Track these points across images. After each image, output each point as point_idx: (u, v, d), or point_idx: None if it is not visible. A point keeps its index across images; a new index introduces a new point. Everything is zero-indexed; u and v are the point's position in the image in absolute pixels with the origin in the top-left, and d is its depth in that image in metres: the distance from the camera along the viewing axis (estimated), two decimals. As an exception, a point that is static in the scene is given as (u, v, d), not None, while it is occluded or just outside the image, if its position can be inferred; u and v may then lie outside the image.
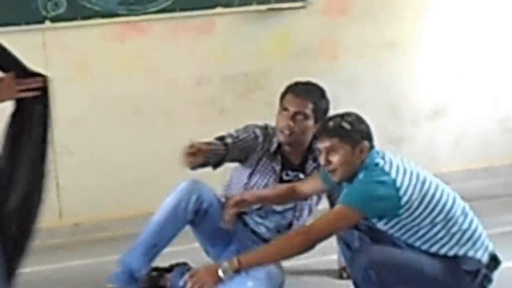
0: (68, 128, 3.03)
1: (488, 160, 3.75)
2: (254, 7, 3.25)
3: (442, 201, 1.99)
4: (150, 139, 3.19)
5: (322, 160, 2.09)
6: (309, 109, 2.42)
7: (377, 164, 2.05)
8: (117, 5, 3.13)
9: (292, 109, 2.41)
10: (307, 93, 2.48)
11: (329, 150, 2.05)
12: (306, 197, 2.49)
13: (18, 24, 3.04)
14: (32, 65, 2.69)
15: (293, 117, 2.40)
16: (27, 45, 2.97)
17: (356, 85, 3.31)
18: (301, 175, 2.52)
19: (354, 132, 2.07)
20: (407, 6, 3.44)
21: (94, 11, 3.13)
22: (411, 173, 2.00)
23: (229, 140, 2.42)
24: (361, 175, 2.06)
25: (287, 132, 2.42)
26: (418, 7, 3.47)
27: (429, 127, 3.55)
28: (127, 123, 3.25)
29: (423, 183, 1.98)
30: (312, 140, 2.49)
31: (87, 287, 2.73)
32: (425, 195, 1.96)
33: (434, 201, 1.98)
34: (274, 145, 2.49)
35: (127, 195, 3.25)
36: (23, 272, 2.40)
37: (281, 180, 2.51)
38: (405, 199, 1.93)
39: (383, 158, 2.07)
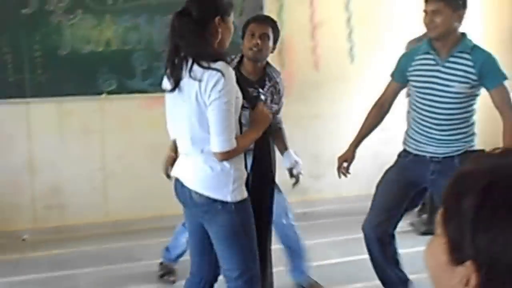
0: (115, 160, 4.38)
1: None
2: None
3: None
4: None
5: (426, 21, 2.43)
6: (269, 31, 2.75)
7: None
8: (148, 85, 4.33)
9: (257, 32, 2.72)
10: (267, 20, 2.87)
11: (435, 12, 2.40)
12: (391, 104, 2.78)
13: (85, 94, 4.25)
14: (92, 124, 4.12)
15: (260, 37, 2.71)
16: (90, 109, 4.31)
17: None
18: (260, 90, 2.74)
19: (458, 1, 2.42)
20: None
21: (134, 88, 4.35)
22: None
23: None
24: (483, 52, 2.49)
25: (255, 49, 2.71)
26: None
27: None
28: (153, 159, 4.21)
29: None
30: (266, 66, 2.83)
31: (125, 260, 3.82)
32: None
33: None
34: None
35: (152, 201, 4.45)
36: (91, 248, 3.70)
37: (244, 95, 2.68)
38: None
39: None
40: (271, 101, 2.79)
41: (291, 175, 2.94)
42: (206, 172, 2.11)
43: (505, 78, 2.47)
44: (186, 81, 2.06)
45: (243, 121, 2.33)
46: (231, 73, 2.02)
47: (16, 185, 4.27)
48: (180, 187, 2.23)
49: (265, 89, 2.72)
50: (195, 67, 2.02)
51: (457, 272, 0.74)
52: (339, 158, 2.79)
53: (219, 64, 2.00)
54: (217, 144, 2.04)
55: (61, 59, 4.20)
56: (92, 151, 4.40)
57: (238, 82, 2.14)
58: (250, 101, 2.34)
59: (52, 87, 4.19)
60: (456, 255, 0.75)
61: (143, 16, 4.36)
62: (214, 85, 1.98)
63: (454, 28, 2.43)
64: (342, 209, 4.63)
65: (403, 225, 3.18)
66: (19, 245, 4.16)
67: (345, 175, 2.79)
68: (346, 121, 4.55)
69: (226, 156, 2.07)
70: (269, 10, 4.44)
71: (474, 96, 2.55)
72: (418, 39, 3.68)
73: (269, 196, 2.50)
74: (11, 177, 4.24)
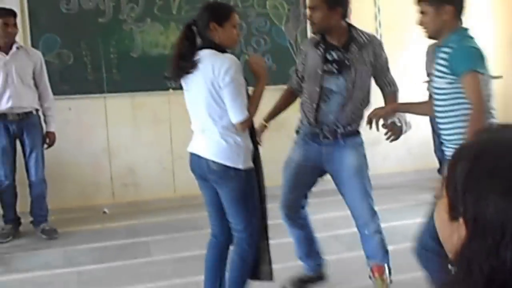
0: (181, 144, 4.70)
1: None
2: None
3: None
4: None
5: (417, 22, 2.33)
6: (318, 1, 2.63)
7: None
8: None
9: (309, 5, 2.78)
10: None
11: (422, 13, 2.31)
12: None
13: (154, 90, 4.72)
14: (161, 115, 4.55)
15: (310, 12, 2.70)
16: (159, 101, 4.80)
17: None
18: (346, 54, 2.67)
19: None
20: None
21: None
22: None
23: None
24: (460, 43, 2.22)
25: (309, 24, 2.92)
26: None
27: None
28: None
29: None
30: (350, 29, 2.70)
31: (191, 229, 4.09)
32: None
33: None
34: (316, 39, 2.76)
35: None
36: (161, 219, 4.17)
37: (326, 60, 2.70)
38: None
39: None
40: (364, 63, 2.70)
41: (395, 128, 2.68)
42: (222, 145, 2.44)
43: (472, 67, 2.20)
44: (199, 70, 2.44)
45: (333, 88, 2.67)
46: (237, 61, 2.44)
47: (97, 167, 4.79)
48: (197, 160, 2.54)
49: (351, 52, 2.67)
50: (207, 58, 2.42)
51: (454, 227, 0.81)
52: None
53: (226, 55, 2.42)
54: (235, 117, 2.41)
55: (133, 60, 4.71)
56: (162, 137, 4.87)
57: (322, 48, 2.62)
58: (337, 64, 2.64)
59: (126, 84, 4.69)
60: (453, 213, 0.82)
61: None
62: (226, 70, 2.36)
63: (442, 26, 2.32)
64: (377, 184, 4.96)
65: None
66: (100, 217, 4.60)
67: None
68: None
69: (245, 124, 2.46)
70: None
71: (459, 93, 2.26)
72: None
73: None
74: (93, 160, 4.77)
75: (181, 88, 4.63)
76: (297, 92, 2.97)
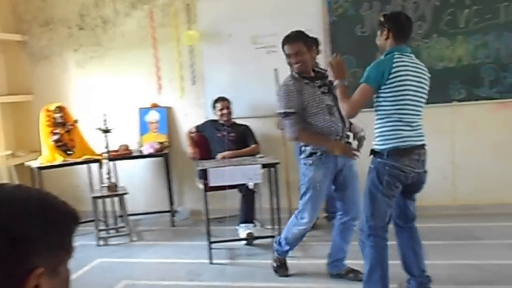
0: (462, 155, 5.02)
1: None
2: None
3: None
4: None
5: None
6: (299, 47, 3.39)
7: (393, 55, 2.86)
8: (494, 93, 4.86)
9: (291, 52, 3.41)
10: (295, 38, 3.43)
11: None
12: None
13: (437, 102, 4.71)
14: (443, 125, 4.72)
15: (295, 56, 3.39)
16: (442, 113, 4.94)
17: None
18: (322, 81, 3.48)
19: (381, 21, 2.94)
20: None
21: (481, 96, 4.93)
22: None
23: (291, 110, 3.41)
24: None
25: (296, 66, 3.42)
26: None
27: None
28: (497, 156, 4.98)
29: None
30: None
31: (468, 238, 4.21)
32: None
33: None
34: (296, 77, 3.45)
35: (494, 190, 4.98)
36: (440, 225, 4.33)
37: (317, 85, 3.46)
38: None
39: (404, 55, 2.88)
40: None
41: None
42: None
43: (361, 80, 2.90)
44: None
45: (329, 103, 3.35)
46: None
47: None
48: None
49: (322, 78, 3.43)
50: None
51: None
52: None
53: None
54: None
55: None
56: (443, 147, 5.06)
57: (308, 80, 3.35)
58: (324, 86, 3.40)
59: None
60: None
61: (492, 34, 4.89)
62: None
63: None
64: None
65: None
66: None
67: None
68: None
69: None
70: None
71: (378, 98, 2.91)
72: None
73: None
74: None
75: (464, 100, 4.98)
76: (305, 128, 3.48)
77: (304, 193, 3.49)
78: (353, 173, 3.53)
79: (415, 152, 2.91)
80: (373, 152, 2.98)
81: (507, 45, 4.85)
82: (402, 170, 2.88)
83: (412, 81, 2.85)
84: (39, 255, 0.83)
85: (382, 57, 2.92)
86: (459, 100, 4.98)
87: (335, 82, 3.07)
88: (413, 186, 3.02)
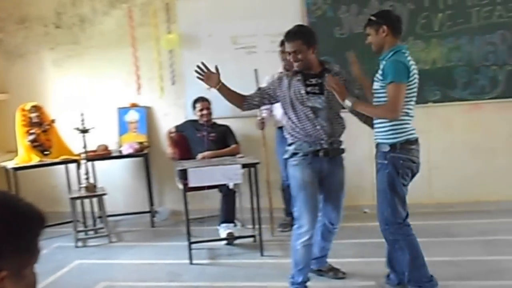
0: (438, 154, 5.11)
1: None
2: None
3: None
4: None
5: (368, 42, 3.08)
6: (299, 45, 3.22)
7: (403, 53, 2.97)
8: (468, 94, 4.98)
9: (289, 50, 3.27)
10: (294, 35, 3.26)
11: (369, 35, 3.06)
12: None
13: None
14: (420, 126, 4.80)
15: (294, 54, 3.24)
16: (418, 114, 4.52)
17: None
18: (319, 80, 3.26)
19: (376, 20, 3.01)
20: None
21: (455, 97, 5.06)
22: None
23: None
24: (390, 58, 2.95)
25: (296, 64, 3.29)
26: None
27: None
28: (471, 155, 5.12)
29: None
30: (323, 62, 3.35)
31: (442, 235, 4.29)
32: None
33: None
34: (293, 71, 3.32)
35: (469, 188, 5.12)
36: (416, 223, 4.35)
37: (307, 84, 3.27)
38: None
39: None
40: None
41: None
42: None
43: (391, 80, 2.90)
44: None
45: (316, 105, 3.18)
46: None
47: (360, 172, 5.17)
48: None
49: (324, 78, 3.23)
50: None
51: None
52: None
53: None
54: None
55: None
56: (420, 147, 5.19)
57: (301, 76, 3.19)
58: (318, 86, 3.22)
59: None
60: None
61: (464, 38, 5.02)
62: None
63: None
64: None
65: None
66: (360, 216, 5.02)
67: None
68: None
69: None
70: None
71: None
72: None
73: None
74: (357, 166, 5.13)
75: (438, 101, 5.08)
76: (248, 101, 3.42)
77: (296, 197, 3.32)
78: (338, 182, 3.43)
79: (419, 143, 3.14)
80: (377, 146, 3.11)
81: (478, 48, 4.98)
82: (413, 161, 3.06)
83: (416, 76, 3.03)
84: (2, 258, 0.80)
85: (391, 54, 3.00)
86: (434, 101, 5.10)
87: (345, 104, 3.09)
88: (413, 177, 3.18)
